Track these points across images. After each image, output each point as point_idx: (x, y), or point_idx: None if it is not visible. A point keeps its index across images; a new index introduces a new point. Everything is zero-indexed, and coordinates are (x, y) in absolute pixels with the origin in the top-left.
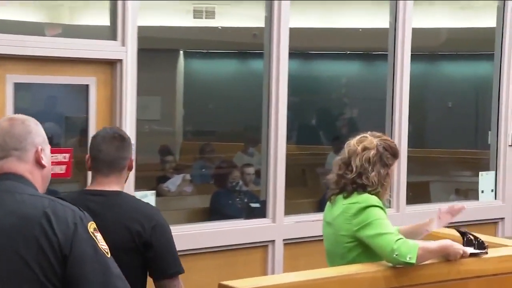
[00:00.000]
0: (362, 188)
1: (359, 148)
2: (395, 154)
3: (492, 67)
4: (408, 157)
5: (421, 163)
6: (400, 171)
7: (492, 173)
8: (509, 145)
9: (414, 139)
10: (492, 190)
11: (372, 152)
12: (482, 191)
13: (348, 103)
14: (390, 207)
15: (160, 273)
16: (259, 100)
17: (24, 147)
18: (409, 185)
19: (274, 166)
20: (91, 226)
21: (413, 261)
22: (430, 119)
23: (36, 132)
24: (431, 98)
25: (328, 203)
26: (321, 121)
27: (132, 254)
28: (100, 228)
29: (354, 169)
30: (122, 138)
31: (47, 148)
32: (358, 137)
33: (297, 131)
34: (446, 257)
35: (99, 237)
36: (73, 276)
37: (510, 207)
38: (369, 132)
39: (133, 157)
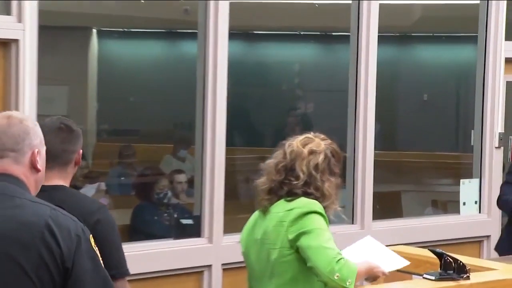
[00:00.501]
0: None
1: (305, 151)
2: (340, 161)
3: (475, 51)
4: (375, 161)
5: (391, 169)
6: (365, 179)
7: (476, 181)
8: (496, 147)
9: (383, 140)
10: (475, 202)
11: (321, 157)
12: (464, 203)
13: (302, 96)
14: (353, 223)
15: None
16: (191, 92)
17: (21, 148)
18: (377, 196)
19: (211, 173)
20: (91, 238)
21: (351, 286)
22: (401, 115)
23: (34, 134)
24: (403, 89)
25: (255, 217)
26: (269, 118)
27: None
28: None
29: (301, 176)
30: (69, 130)
31: (43, 150)
32: (300, 137)
33: (240, 130)
34: (368, 279)
35: (97, 250)
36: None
37: (497, 223)
38: (311, 133)
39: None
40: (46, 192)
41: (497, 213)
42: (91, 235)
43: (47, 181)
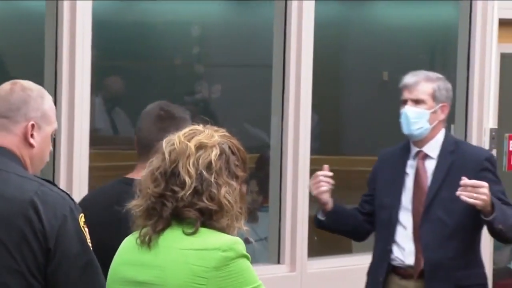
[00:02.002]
0: (209, 219)
1: (192, 145)
2: (244, 163)
3: (457, 10)
4: (312, 170)
5: (336, 181)
6: (297, 196)
7: None
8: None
9: (323, 139)
10: None
11: (214, 152)
12: None
13: (204, 74)
14: (279, 262)
15: None
16: (39, 63)
17: (13, 116)
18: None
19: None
20: (82, 218)
21: None
22: (352, 104)
23: (34, 105)
24: (353, 65)
25: (131, 248)
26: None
27: None
28: (129, 228)
29: (188, 182)
30: (170, 117)
31: (48, 127)
32: (184, 130)
33: (115, 122)
34: None
35: (87, 231)
36: (55, 272)
37: (487, 260)
38: (201, 124)
39: None
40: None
41: (488, 248)
42: (82, 215)
43: (140, 173)
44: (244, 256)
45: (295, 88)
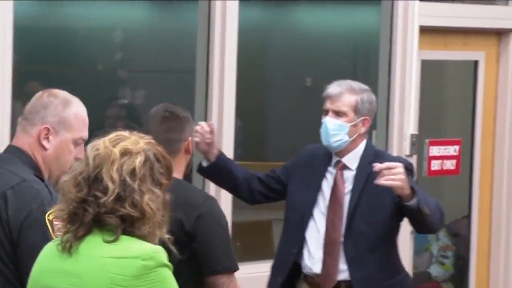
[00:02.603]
0: (130, 226)
1: (116, 151)
2: (169, 170)
3: (379, 16)
4: None
5: None
6: (220, 201)
7: None
8: (407, 155)
9: (249, 145)
10: None
11: (139, 158)
12: None
13: (128, 79)
14: None
15: (206, 268)
16: None
17: (33, 119)
18: (237, 228)
19: None
20: (51, 214)
21: None
22: (276, 109)
23: (53, 110)
24: (276, 70)
25: (52, 254)
26: None
27: (178, 247)
28: None
29: (111, 187)
30: (175, 117)
31: (67, 134)
32: (110, 135)
33: None
34: None
35: (58, 226)
36: (20, 261)
37: (407, 265)
38: (127, 131)
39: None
40: None
41: (408, 252)
42: (52, 211)
43: None
44: (165, 265)
45: (218, 94)
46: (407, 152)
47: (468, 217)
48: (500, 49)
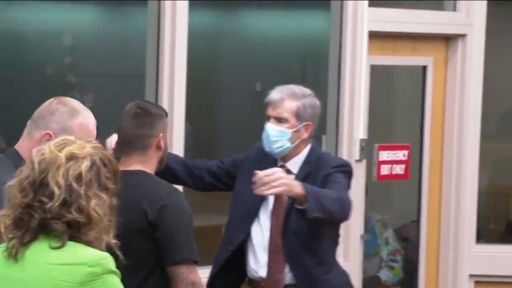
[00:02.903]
0: (77, 231)
1: (62, 156)
2: (115, 175)
3: (328, 23)
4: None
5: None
6: None
7: None
8: (357, 160)
9: (199, 149)
10: None
11: (85, 163)
12: None
13: (76, 84)
14: None
15: (166, 258)
16: None
17: (38, 123)
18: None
19: None
20: None
21: None
22: (226, 114)
23: (58, 118)
24: (226, 74)
25: None
26: (25, 116)
27: (141, 236)
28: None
29: (57, 192)
30: (146, 114)
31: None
32: (56, 139)
33: None
34: None
35: None
36: None
37: (357, 269)
38: (73, 136)
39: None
40: (122, 177)
41: (356, 254)
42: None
43: (125, 166)
44: (112, 272)
45: (168, 98)
46: (357, 157)
47: (417, 221)
48: (448, 54)
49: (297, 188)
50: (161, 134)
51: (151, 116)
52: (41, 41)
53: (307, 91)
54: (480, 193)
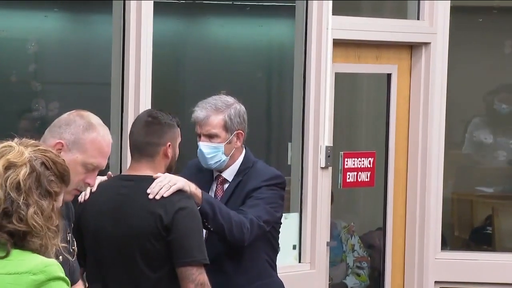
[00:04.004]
0: (21, 240)
1: (0, 166)
2: (63, 176)
3: (292, 32)
4: None
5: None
6: None
7: (295, 216)
8: (322, 167)
9: None
10: (294, 247)
11: (23, 170)
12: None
13: (42, 91)
14: None
15: (178, 259)
16: None
17: (53, 132)
18: None
19: None
20: None
21: None
22: (190, 121)
23: (73, 130)
24: (189, 82)
25: None
26: None
27: (156, 240)
28: (129, 212)
29: None
30: (156, 122)
31: (79, 155)
32: None
33: None
34: None
35: None
36: None
37: (324, 275)
38: (16, 139)
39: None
40: (133, 181)
41: (324, 263)
42: None
43: (136, 171)
44: (58, 278)
45: (134, 106)
46: (323, 164)
47: (383, 228)
48: (412, 62)
49: (196, 190)
50: (169, 143)
51: (160, 125)
52: (5, 48)
53: (230, 100)
54: (444, 200)
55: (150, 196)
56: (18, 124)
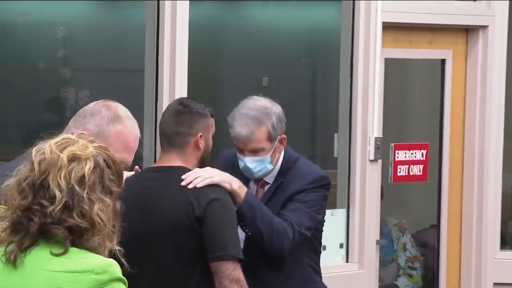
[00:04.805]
0: (79, 237)
1: (64, 156)
2: (120, 177)
3: (338, 15)
4: None
5: None
6: None
7: (342, 212)
8: (371, 160)
9: None
10: (341, 246)
11: (89, 164)
12: (324, 247)
13: (70, 79)
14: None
15: (212, 253)
16: None
17: (78, 121)
18: None
19: None
20: None
21: None
22: (229, 110)
23: (97, 121)
24: (230, 69)
25: None
26: (15, 112)
27: (188, 233)
28: (158, 206)
29: (58, 196)
30: (187, 111)
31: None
32: (56, 139)
33: None
34: None
35: None
36: None
37: (373, 277)
38: (73, 134)
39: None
40: (163, 172)
41: (372, 262)
42: None
43: (165, 162)
44: (119, 279)
45: (169, 95)
46: (371, 157)
47: (437, 226)
48: (468, 46)
49: (240, 189)
50: (200, 134)
51: (191, 114)
52: (33, 33)
53: (267, 104)
54: (504, 196)
55: (183, 183)
56: (45, 114)
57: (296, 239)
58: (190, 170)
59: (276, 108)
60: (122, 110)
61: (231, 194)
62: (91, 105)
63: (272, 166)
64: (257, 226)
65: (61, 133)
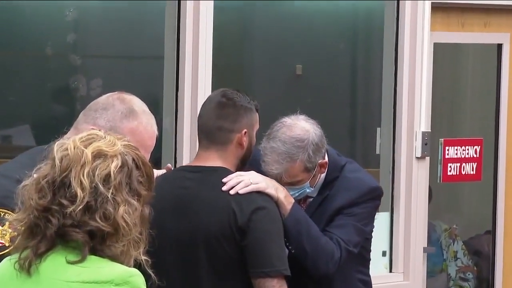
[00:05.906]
0: (100, 243)
1: (88, 152)
2: (150, 180)
3: None
4: None
5: None
6: None
7: (385, 216)
8: (418, 157)
9: None
10: (384, 254)
11: (115, 162)
12: None
13: (82, 66)
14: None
15: (255, 268)
16: None
17: (88, 116)
18: None
19: None
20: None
21: None
22: (259, 100)
23: (110, 116)
24: (261, 56)
25: (8, 275)
26: (21, 103)
27: (228, 243)
28: (195, 210)
29: (80, 195)
30: (231, 105)
31: None
32: (81, 134)
33: None
34: None
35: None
36: None
37: (420, 277)
38: (101, 130)
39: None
40: (201, 173)
41: (419, 271)
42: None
43: (203, 161)
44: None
45: (191, 84)
46: (418, 153)
47: (492, 232)
48: None
49: (286, 199)
50: (244, 130)
51: (236, 107)
52: (39, 15)
53: (301, 133)
54: None
55: (224, 188)
56: (53, 104)
57: (343, 259)
58: (232, 172)
59: (314, 135)
60: (138, 104)
61: (276, 204)
62: (104, 97)
63: (312, 189)
64: (302, 244)
65: (68, 129)
